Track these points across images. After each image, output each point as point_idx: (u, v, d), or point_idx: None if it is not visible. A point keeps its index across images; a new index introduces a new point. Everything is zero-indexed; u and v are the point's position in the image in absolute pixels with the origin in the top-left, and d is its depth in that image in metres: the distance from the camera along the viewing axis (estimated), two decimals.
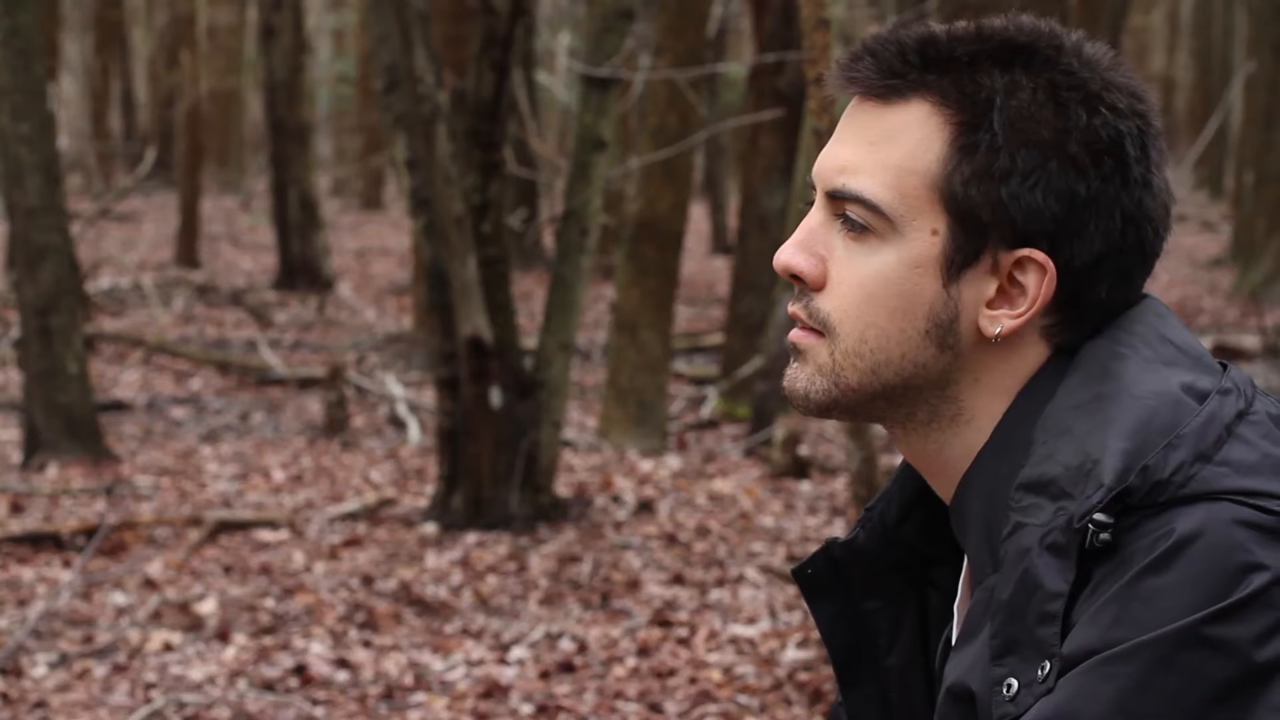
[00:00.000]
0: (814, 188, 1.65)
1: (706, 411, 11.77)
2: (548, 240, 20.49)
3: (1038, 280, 1.59)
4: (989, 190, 1.57)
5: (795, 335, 1.64)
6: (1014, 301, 1.60)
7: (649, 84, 11.49)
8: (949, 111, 1.58)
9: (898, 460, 1.85)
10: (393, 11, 8.32)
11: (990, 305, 1.60)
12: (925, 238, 1.59)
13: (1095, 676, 1.45)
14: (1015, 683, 1.50)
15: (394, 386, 12.17)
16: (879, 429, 9.66)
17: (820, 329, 1.62)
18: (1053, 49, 1.59)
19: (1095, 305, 1.60)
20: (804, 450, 10.00)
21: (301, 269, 18.70)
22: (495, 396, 8.42)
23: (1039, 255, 1.58)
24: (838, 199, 1.61)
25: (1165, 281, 19.53)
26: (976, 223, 1.58)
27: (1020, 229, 1.58)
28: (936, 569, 1.77)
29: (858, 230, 1.60)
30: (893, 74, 1.59)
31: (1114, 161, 1.58)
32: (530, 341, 9.94)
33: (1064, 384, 1.58)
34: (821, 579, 1.76)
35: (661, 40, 11.18)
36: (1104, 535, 1.48)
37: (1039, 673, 1.49)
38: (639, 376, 10.74)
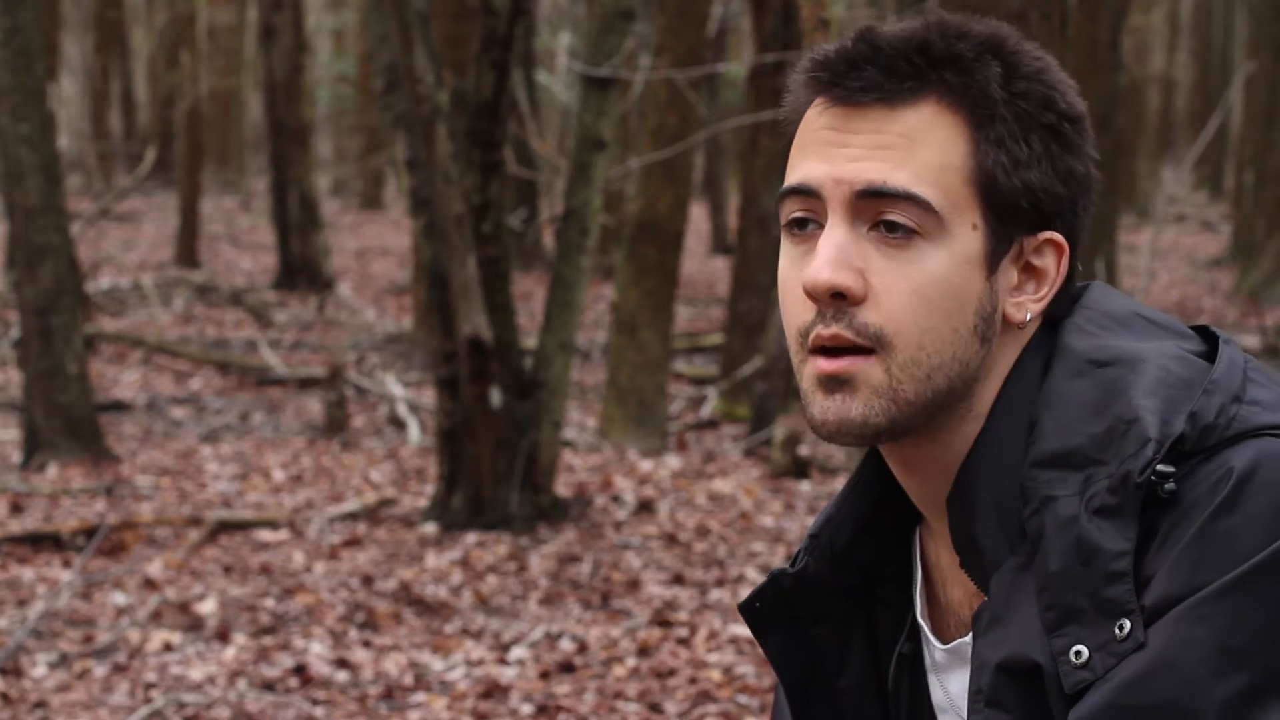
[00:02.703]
0: (815, 197, 1.61)
1: (706, 411, 11.77)
2: (548, 240, 20.49)
3: (1055, 261, 1.63)
4: (1022, 177, 1.60)
5: (840, 365, 1.58)
6: (1028, 286, 1.63)
7: (649, 84, 11.49)
8: (958, 108, 1.60)
9: None
10: (393, 11, 8.32)
11: (1012, 293, 1.63)
12: (968, 233, 1.59)
13: (1187, 621, 1.48)
14: (1084, 649, 1.51)
15: (394, 386, 12.17)
16: None
17: (871, 344, 1.58)
18: (1017, 40, 1.64)
19: (1072, 279, 1.65)
20: (804, 450, 10.00)
21: (301, 269, 18.70)
22: (495, 396, 8.42)
23: (1057, 236, 1.63)
24: (878, 197, 1.58)
25: (1165, 281, 19.53)
26: (1013, 211, 1.60)
27: (1044, 213, 1.61)
28: (884, 587, 1.77)
29: (901, 235, 1.58)
30: (904, 76, 1.60)
31: (1087, 139, 1.64)
32: (530, 341, 9.94)
33: (1057, 363, 1.61)
34: (769, 610, 1.76)
35: (661, 40, 11.18)
36: (1169, 485, 1.51)
37: (1116, 632, 1.50)
38: (639, 376, 10.74)
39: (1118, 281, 14.43)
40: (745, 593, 7.36)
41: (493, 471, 8.46)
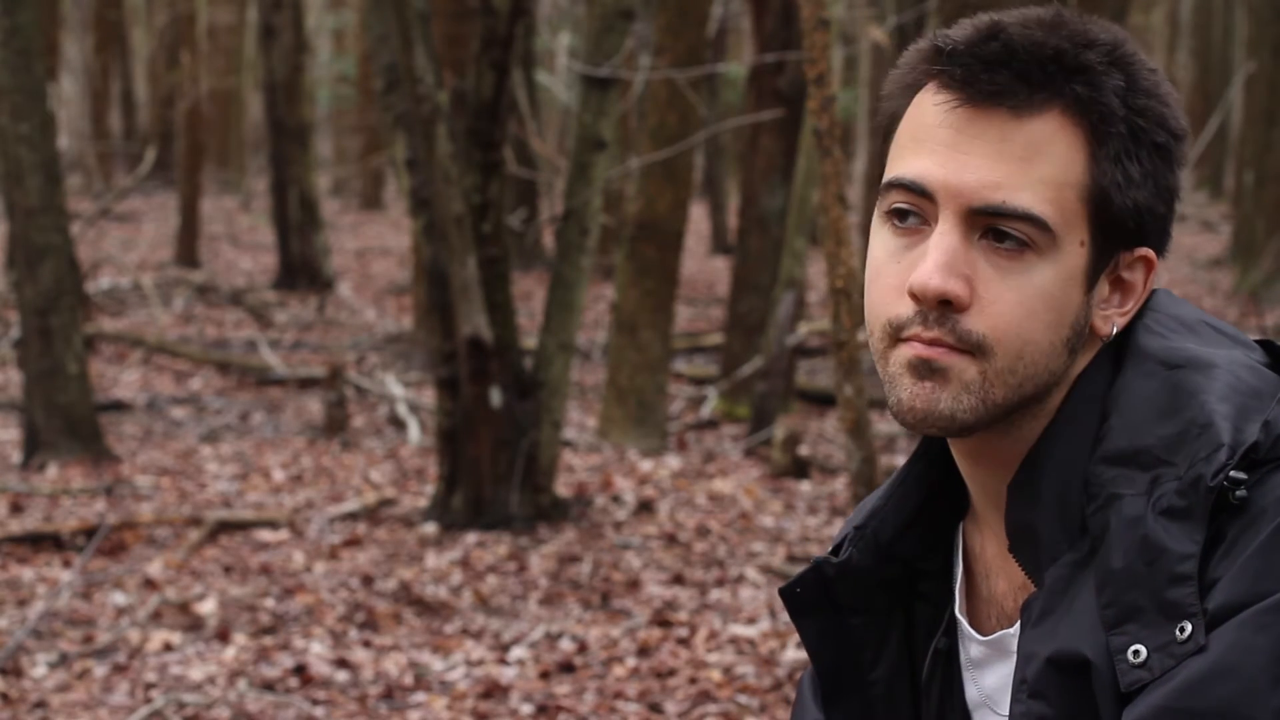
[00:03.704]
0: (927, 198, 1.60)
1: (706, 411, 11.77)
2: (548, 240, 20.49)
3: (1144, 276, 1.64)
4: (1133, 198, 1.60)
5: (936, 352, 1.58)
6: (1115, 298, 1.64)
7: (649, 84, 11.49)
8: (1081, 120, 1.59)
9: (898, 460, 1.84)
10: (393, 11, 8.32)
11: (1101, 305, 1.63)
12: (1076, 250, 1.60)
13: (1250, 629, 1.48)
14: (1143, 648, 1.52)
15: (394, 386, 12.17)
16: (879, 429, 9.63)
17: (970, 350, 1.58)
18: (1132, 48, 1.62)
19: (1149, 290, 1.65)
20: (804, 450, 10.00)
21: (301, 269, 18.70)
22: (495, 396, 8.42)
23: (1150, 253, 1.63)
24: (995, 216, 1.58)
25: (1165, 281, 19.51)
26: (1120, 230, 1.60)
27: (1144, 230, 1.62)
28: (924, 582, 1.77)
29: (1014, 247, 1.58)
30: (1038, 86, 1.58)
31: (1185, 157, 1.63)
32: (530, 341, 9.94)
33: (1129, 363, 1.62)
34: (809, 597, 1.77)
35: (661, 40, 11.17)
36: (1240, 492, 1.52)
37: (1177, 634, 1.50)
38: (639, 376, 10.73)
39: None
40: (745, 593, 7.40)
41: (493, 471, 8.46)
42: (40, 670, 6.48)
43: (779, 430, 9.84)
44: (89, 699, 6.20)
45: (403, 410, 11.57)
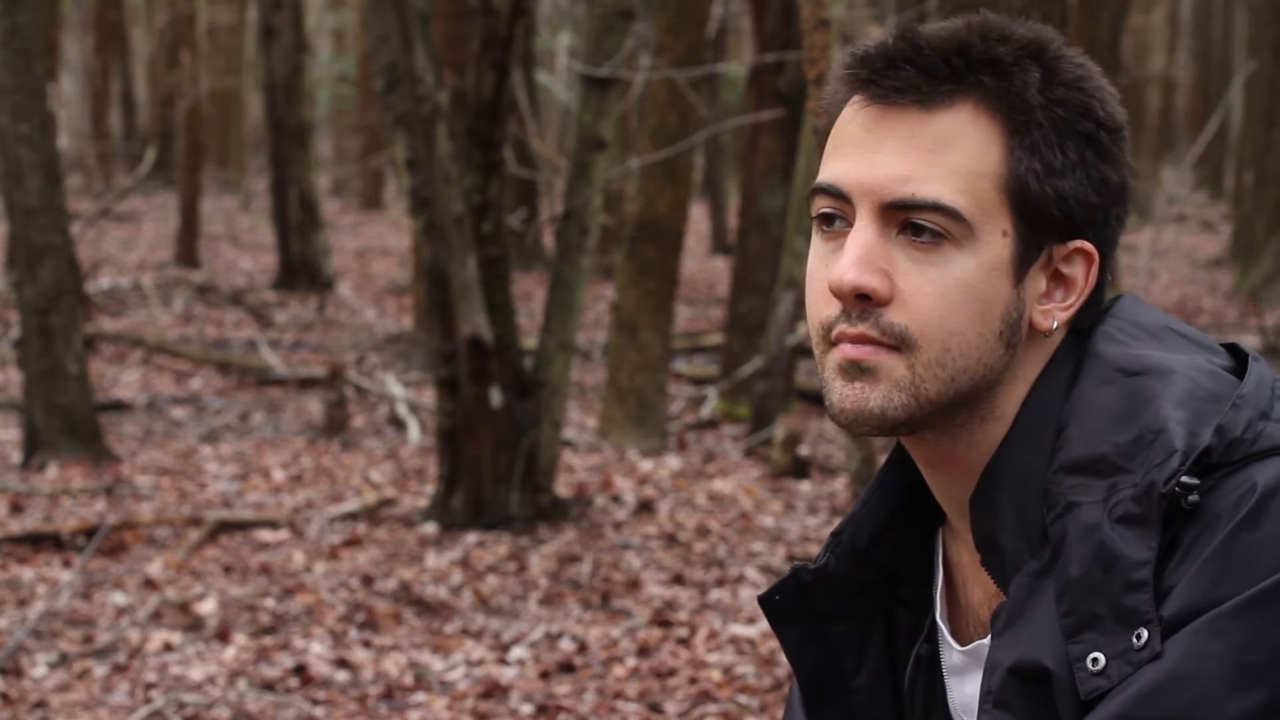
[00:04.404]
0: (845, 199, 1.62)
1: (706, 411, 11.77)
2: (548, 240, 20.49)
3: (1085, 270, 1.63)
4: (1055, 186, 1.60)
5: (864, 352, 1.60)
6: (1056, 294, 1.63)
7: (649, 84, 11.49)
8: (994, 112, 1.60)
9: None
10: (393, 11, 8.32)
11: (1040, 300, 1.63)
12: (998, 240, 1.59)
13: (1205, 635, 1.48)
14: (1101, 656, 1.52)
15: (394, 386, 12.17)
16: None
17: (896, 343, 1.59)
18: (1060, 45, 1.63)
19: (1103, 288, 1.65)
20: (804, 450, 10.00)
21: (301, 269, 18.70)
22: (495, 396, 8.42)
23: (1088, 245, 1.62)
24: (906, 209, 1.58)
25: (1165, 281, 19.53)
26: (1044, 219, 1.60)
27: (1075, 221, 1.61)
28: (904, 588, 1.77)
29: (930, 239, 1.58)
30: (942, 78, 1.59)
31: (1124, 149, 1.63)
32: (530, 341, 9.94)
33: (1087, 370, 1.62)
34: (789, 605, 1.77)
35: (661, 40, 11.17)
36: (1192, 497, 1.51)
37: (1134, 641, 1.50)
38: (639, 376, 10.74)
39: (1117, 281, 14.42)
40: (745, 593, 7.39)
41: (493, 471, 8.46)
42: (40, 670, 6.49)
43: (779, 430, 9.84)
44: (89, 699, 6.20)
45: (403, 410, 11.58)
